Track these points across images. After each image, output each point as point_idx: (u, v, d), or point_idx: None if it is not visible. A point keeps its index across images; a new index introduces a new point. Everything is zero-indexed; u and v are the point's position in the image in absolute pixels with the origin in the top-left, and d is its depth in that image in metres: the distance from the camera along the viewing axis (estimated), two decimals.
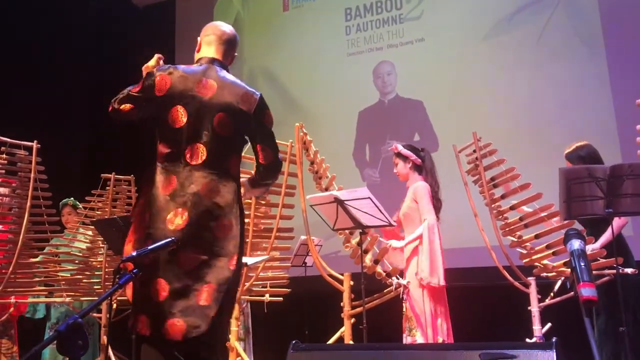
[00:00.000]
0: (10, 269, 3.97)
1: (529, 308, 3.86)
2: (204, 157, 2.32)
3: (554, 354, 1.64)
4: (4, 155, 4.01)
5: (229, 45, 2.54)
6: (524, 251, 3.95)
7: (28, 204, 4.03)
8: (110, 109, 2.42)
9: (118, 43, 7.35)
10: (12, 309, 4.27)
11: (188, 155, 2.32)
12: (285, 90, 7.05)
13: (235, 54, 2.61)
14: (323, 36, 6.96)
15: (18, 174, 4.10)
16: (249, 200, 4.27)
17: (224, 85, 2.39)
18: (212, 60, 2.47)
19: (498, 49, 6.07)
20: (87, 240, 4.59)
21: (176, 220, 2.25)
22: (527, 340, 3.66)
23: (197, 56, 2.53)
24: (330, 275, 4.22)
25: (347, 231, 4.00)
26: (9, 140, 4.03)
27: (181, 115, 2.33)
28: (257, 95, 2.43)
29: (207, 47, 2.52)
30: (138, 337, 2.26)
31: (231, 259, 2.31)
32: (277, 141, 3.98)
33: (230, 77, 2.45)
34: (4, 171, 4.05)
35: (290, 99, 6.99)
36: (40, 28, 7.03)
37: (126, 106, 2.39)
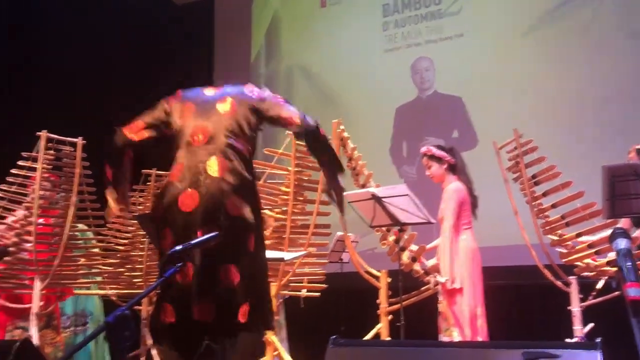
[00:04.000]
0: (57, 261, 4.09)
1: (569, 308, 3.79)
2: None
3: (599, 354, 1.61)
4: (51, 151, 4.12)
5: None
6: (565, 250, 3.89)
7: (73, 198, 4.14)
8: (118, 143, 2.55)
9: (156, 41, 7.47)
10: (57, 301, 4.40)
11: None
12: (323, 86, 7.06)
13: None
14: (360, 32, 6.94)
15: (63, 169, 4.21)
16: (286, 197, 4.29)
17: (224, 89, 2.55)
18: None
19: (539, 44, 5.96)
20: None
21: (186, 201, 2.28)
22: (568, 340, 3.60)
23: None
24: (367, 272, 4.22)
25: (384, 228, 4.00)
26: (55, 136, 4.14)
27: (197, 132, 2.43)
28: (258, 88, 2.55)
29: None
30: (163, 327, 2.29)
31: (249, 239, 2.33)
32: None
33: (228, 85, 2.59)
34: (50, 166, 4.16)
35: (327, 95, 7.00)
36: (79, 26, 7.20)
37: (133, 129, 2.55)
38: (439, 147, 4.07)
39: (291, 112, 2.51)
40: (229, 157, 2.36)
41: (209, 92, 2.57)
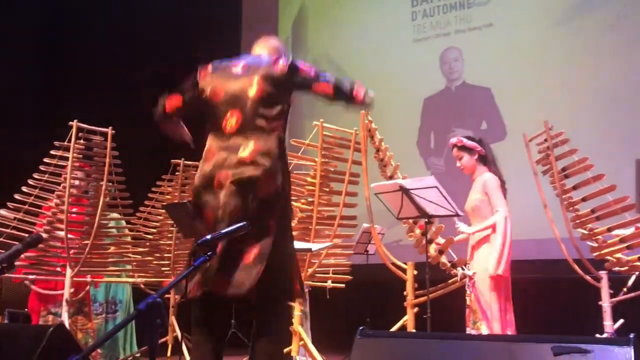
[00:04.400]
0: (87, 249, 4.16)
1: (599, 303, 3.74)
2: (239, 123, 2.43)
3: (632, 350, 1.57)
4: (82, 141, 4.19)
5: (272, 48, 2.69)
6: (595, 244, 3.83)
7: (103, 187, 4.21)
8: (157, 116, 2.65)
9: (183, 31, 7.52)
10: (88, 287, 4.49)
11: (224, 125, 2.45)
12: (350, 77, 6.99)
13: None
14: (389, 22, 6.88)
15: (94, 159, 4.28)
16: (312, 187, 4.30)
17: (251, 64, 2.53)
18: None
19: (571, 33, 5.83)
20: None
21: (222, 181, 2.38)
22: (598, 335, 3.55)
23: None
24: (394, 264, 4.21)
25: (410, 220, 3.98)
26: (86, 126, 4.21)
27: (221, 93, 2.48)
28: (284, 61, 2.52)
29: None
30: (190, 301, 2.38)
31: (272, 218, 2.38)
32: (341, 129, 4.00)
33: (256, 56, 2.60)
34: (81, 156, 4.23)
35: None
36: (107, 13, 7.29)
37: (171, 103, 2.61)
38: (469, 138, 4.02)
39: (322, 84, 2.57)
40: (260, 141, 2.42)
41: (237, 69, 2.55)
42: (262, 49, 2.69)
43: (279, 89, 2.51)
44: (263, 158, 2.40)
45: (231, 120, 2.44)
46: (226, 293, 2.31)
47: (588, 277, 3.84)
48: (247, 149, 2.40)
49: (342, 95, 2.58)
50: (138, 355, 5.25)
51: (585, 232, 3.85)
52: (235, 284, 2.31)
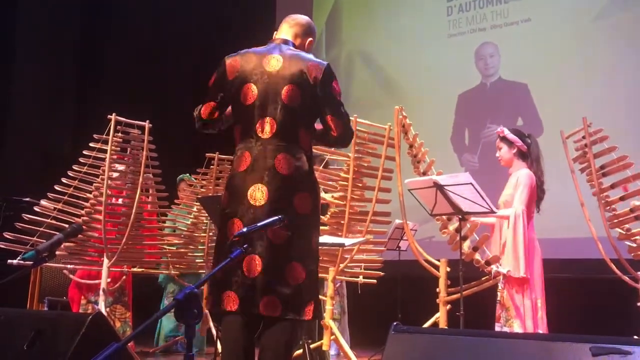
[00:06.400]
0: (124, 240, 4.24)
1: (638, 304, 3.67)
2: (273, 130, 2.36)
3: None
4: (120, 134, 4.26)
5: (300, 28, 2.58)
6: (634, 244, 3.76)
7: (140, 180, 4.28)
8: (196, 126, 2.54)
9: (215, 24, 7.58)
10: (124, 277, 4.58)
11: (259, 130, 2.37)
12: (384, 72, 7.00)
13: (310, 39, 2.62)
14: (423, 17, 6.83)
15: (131, 152, 4.35)
16: (345, 183, 4.30)
17: (290, 58, 2.43)
18: (281, 41, 2.53)
19: (611, 29, 5.71)
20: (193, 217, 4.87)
21: (256, 195, 2.31)
22: (636, 337, 3.47)
23: None
24: (427, 261, 4.19)
25: (444, 217, 3.95)
26: (124, 119, 4.28)
27: (252, 92, 2.40)
28: (322, 65, 2.43)
29: (277, 34, 2.60)
30: (221, 313, 2.34)
31: (313, 234, 2.38)
32: (375, 124, 3.97)
33: (295, 50, 2.49)
34: (119, 149, 4.30)
35: (388, 81, 6.94)
36: (142, 7, 7.40)
37: (206, 110, 2.49)
38: (515, 132, 3.99)
39: (336, 121, 2.46)
40: (296, 154, 2.37)
41: (269, 67, 2.43)
42: (289, 31, 2.57)
43: (311, 94, 2.42)
44: (299, 173, 2.35)
45: (266, 127, 2.37)
46: (277, 314, 2.27)
47: (626, 278, 3.77)
48: (284, 163, 2.34)
49: (346, 140, 2.52)
50: (176, 344, 5.35)
51: (623, 232, 3.78)
52: (285, 306, 2.26)
